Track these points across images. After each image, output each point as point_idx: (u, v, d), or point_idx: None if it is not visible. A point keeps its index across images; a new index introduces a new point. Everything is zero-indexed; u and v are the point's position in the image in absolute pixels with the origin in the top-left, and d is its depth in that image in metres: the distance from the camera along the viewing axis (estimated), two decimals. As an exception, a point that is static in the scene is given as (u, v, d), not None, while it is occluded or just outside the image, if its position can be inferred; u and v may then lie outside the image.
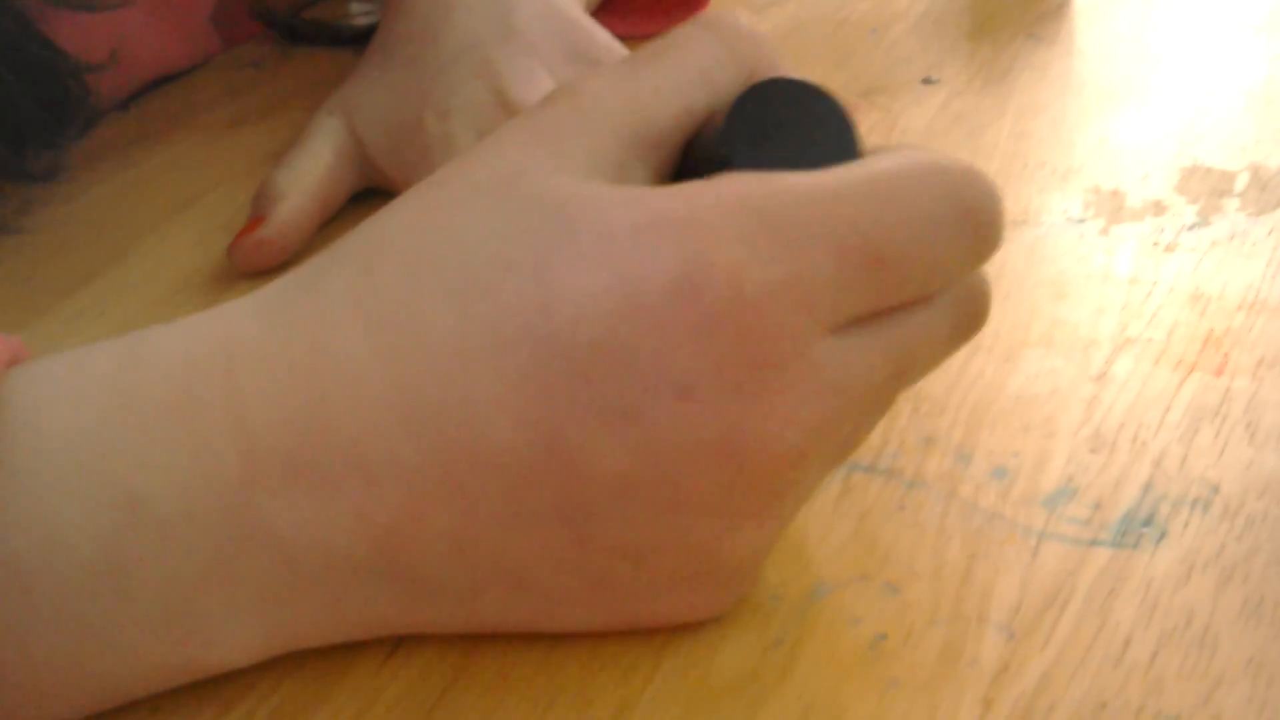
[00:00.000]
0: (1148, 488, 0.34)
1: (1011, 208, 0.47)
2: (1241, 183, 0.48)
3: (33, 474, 0.26)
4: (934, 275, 0.28)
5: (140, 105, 0.58)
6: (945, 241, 0.28)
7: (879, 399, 0.29)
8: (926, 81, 0.57)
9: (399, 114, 0.47)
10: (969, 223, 0.28)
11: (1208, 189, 0.48)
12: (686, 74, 0.29)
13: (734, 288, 0.26)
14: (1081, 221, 0.46)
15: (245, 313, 0.28)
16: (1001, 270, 0.43)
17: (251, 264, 0.45)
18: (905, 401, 0.38)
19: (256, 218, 0.45)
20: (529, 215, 0.27)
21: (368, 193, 0.49)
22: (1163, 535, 0.33)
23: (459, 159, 0.29)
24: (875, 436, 0.36)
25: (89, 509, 0.26)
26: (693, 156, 0.29)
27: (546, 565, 0.28)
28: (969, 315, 0.30)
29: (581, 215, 0.27)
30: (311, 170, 0.47)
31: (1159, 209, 0.47)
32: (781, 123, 0.28)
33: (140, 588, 0.26)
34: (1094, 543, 0.33)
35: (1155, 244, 0.45)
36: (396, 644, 0.31)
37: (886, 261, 0.27)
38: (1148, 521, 0.33)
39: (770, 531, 0.29)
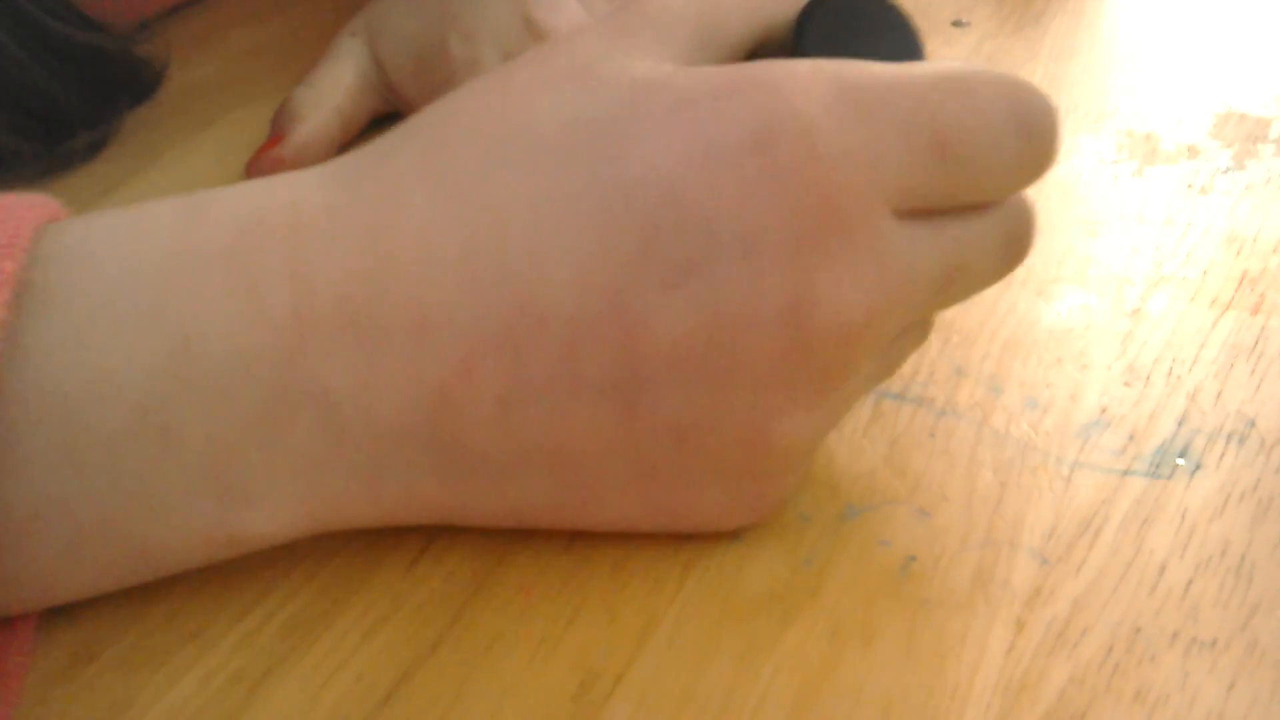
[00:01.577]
0: (1183, 420, 0.34)
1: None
2: (1277, 129, 0.47)
3: (86, 314, 0.25)
4: (991, 177, 0.28)
5: (162, 27, 0.57)
6: (1004, 144, 0.28)
7: (931, 297, 0.29)
8: (957, 24, 0.56)
9: (423, 37, 0.47)
10: (1027, 129, 0.28)
11: (1242, 134, 0.47)
12: None
13: (808, 144, 0.26)
14: (1115, 163, 0.45)
15: (313, 178, 0.28)
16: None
17: None
18: (936, 333, 0.37)
19: (276, 136, 0.45)
20: (604, 91, 0.27)
21: (391, 117, 0.49)
22: (1198, 467, 0.32)
23: (530, 52, 0.29)
24: (906, 366, 0.36)
25: (139, 349, 0.25)
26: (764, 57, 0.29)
27: (590, 441, 0.27)
28: (1018, 236, 0.30)
29: (658, 86, 0.27)
30: (332, 92, 0.46)
31: (1193, 153, 0.46)
32: (850, 29, 0.29)
33: (184, 437, 0.26)
34: (1128, 473, 0.32)
35: (1189, 186, 0.44)
36: (421, 550, 0.30)
37: (950, 150, 0.27)
38: (1183, 453, 0.33)
39: (819, 421, 0.28)
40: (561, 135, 0.27)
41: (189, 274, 0.26)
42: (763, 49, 0.30)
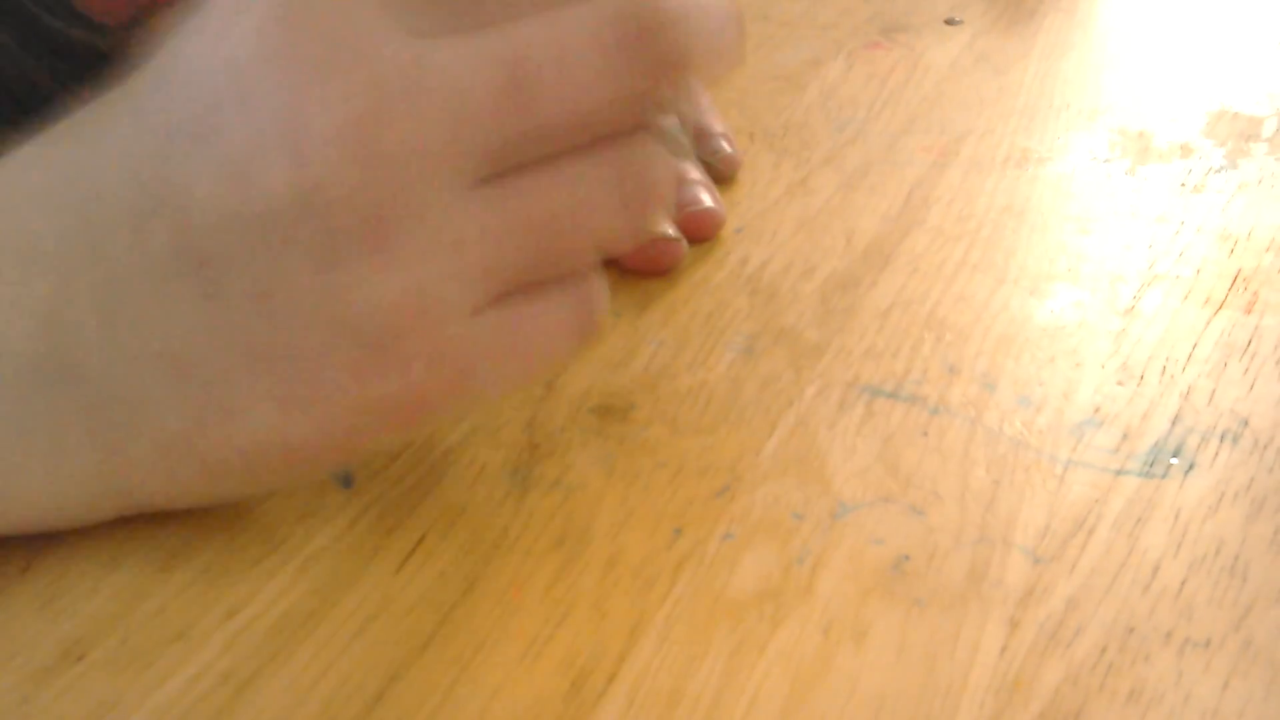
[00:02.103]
0: (1176, 419, 0.34)
1: (1038, 146, 0.46)
2: (1270, 128, 0.47)
3: None
4: (584, 98, 0.26)
5: (145, 27, 0.57)
6: (590, 58, 0.26)
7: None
8: (950, 22, 0.56)
9: None
10: (620, 31, 0.26)
11: (1235, 133, 0.47)
12: None
13: None
14: (1108, 161, 0.45)
15: None
16: (1027, 205, 0.42)
17: None
18: (929, 331, 0.37)
19: None
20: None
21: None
22: (1192, 466, 0.32)
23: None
24: (899, 364, 0.36)
25: None
26: None
27: (192, 335, 0.27)
28: (637, 178, 0.28)
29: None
30: None
31: (1186, 151, 0.46)
32: None
33: None
34: (1122, 471, 0.32)
35: (1183, 185, 0.44)
36: (411, 549, 0.30)
37: (520, 89, 0.26)
38: (1176, 452, 0.33)
39: (406, 274, 0.26)
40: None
41: None
42: None
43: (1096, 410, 0.34)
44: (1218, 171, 0.45)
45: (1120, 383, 0.35)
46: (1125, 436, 0.33)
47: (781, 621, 0.28)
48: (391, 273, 0.26)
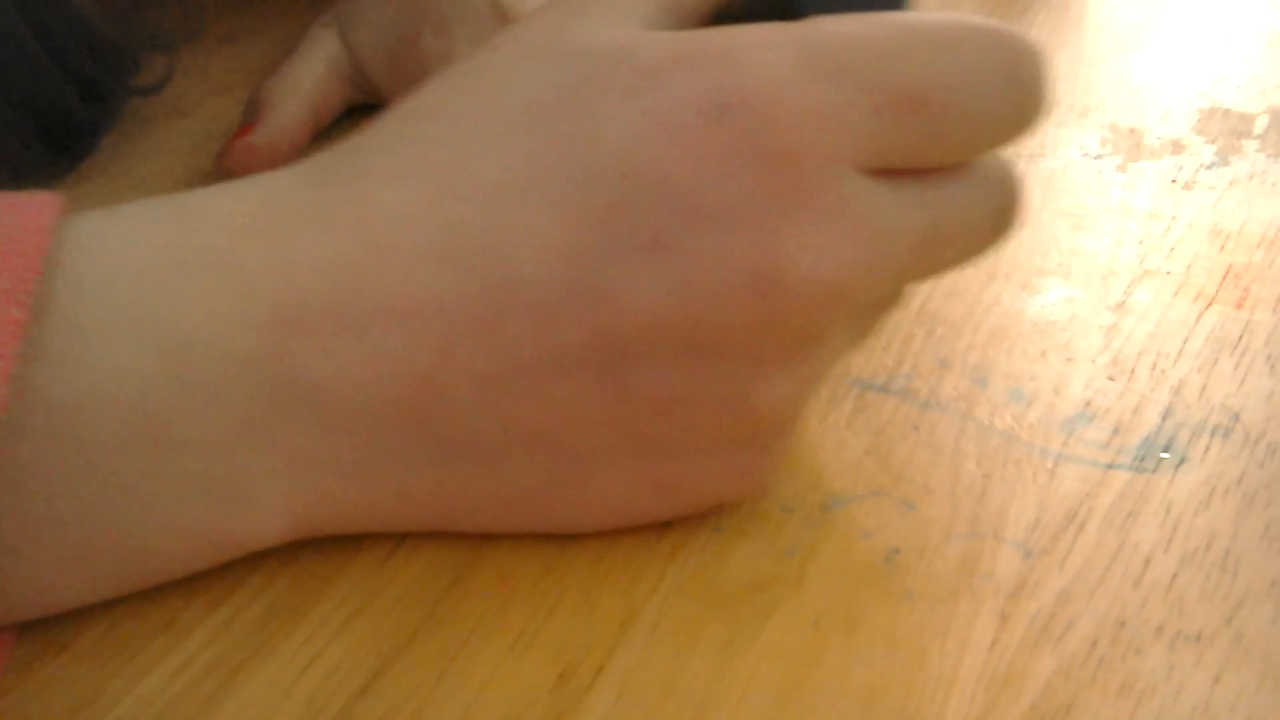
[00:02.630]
0: (1167, 414, 0.34)
1: (1028, 142, 0.46)
2: (1261, 125, 0.47)
3: (75, 318, 0.25)
4: (970, 131, 0.27)
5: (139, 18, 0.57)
6: (985, 94, 0.27)
7: (909, 263, 0.28)
8: (941, 18, 0.55)
9: (396, 28, 0.46)
10: (1012, 80, 0.27)
11: (1227, 130, 0.47)
12: None
13: (767, 110, 0.26)
14: (1099, 157, 0.45)
15: (288, 177, 0.28)
16: (1018, 200, 0.42)
17: (242, 170, 0.44)
18: (920, 325, 0.37)
19: (248, 125, 0.44)
20: (569, 64, 0.27)
21: (366, 108, 0.48)
22: (1183, 460, 0.32)
23: (492, 38, 0.29)
24: (890, 357, 0.35)
25: (129, 354, 0.25)
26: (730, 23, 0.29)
27: (573, 418, 0.27)
28: (1002, 202, 0.29)
29: (621, 54, 0.27)
30: (304, 81, 0.46)
31: (1177, 148, 0.46)
32: None
33: (176, 441, 0.25)
34: (1113, 465, 0.32)
35: (1174, 181, 0.44)
36: (398, 543, 0.30)
37: (928, 106, 0.26)
38: (1168, 447, 0.32)
39: (800, 385, 0.28)
40: (524, 115, 0.27)
41: (176, 278, 0.26)
42: (729, 12, 0.29)
43: (1088, 405, 0.34)
44: (1209, 168, 0.44)
45: (1111, 377, 0.35)
46: (1116, 431, 0.33)
47: (772, 614, 0.28)
48: (797, 381, 0.28)
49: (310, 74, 0.46)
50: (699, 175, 0.26)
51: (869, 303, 0.29)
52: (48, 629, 0.28)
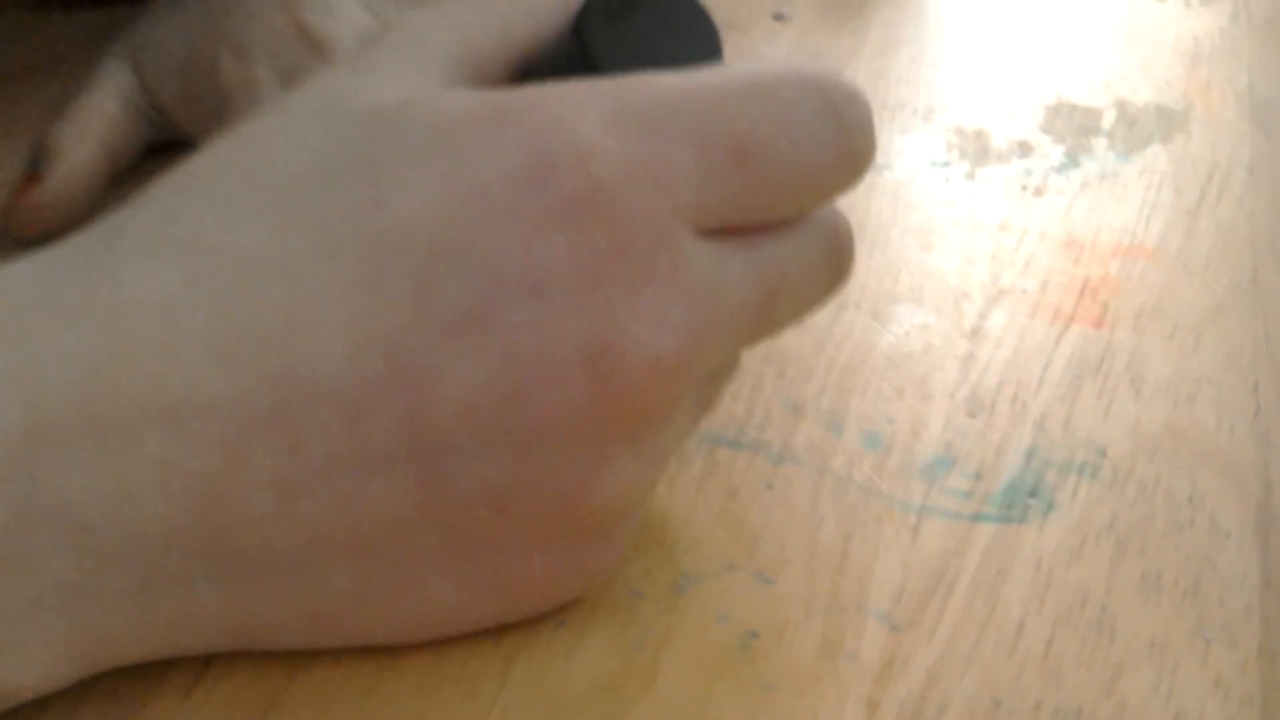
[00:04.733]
0: (1031, 453, 0.32)
1: (872, 151, 0.44)
2: (1109, 120, 0.46)
3: None
4: (801, 182, 0.25)
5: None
6: (812, 143, 0.25)
7: (748, 326, 0.26)
8: (778, 17, 0.53)
9: (191, 55, 0.42)
10: (836, 124, 0.25)
11: (1074, 127, 0.45)
12: (513, 3, 0.26)
13: (588, 169, 0.23)
14: (946, 165, 0.43)
15: (37, 265, 0.24)
16: (865, 219, 0.40)
17: (30, 229, 0.40)
18: (770, 365, 0.34)
19: (32, 176, 0.40)
20: (355, 125, 0.24)
21: (166, 147, 0.44)
22: (1051, 506, 0.30)
23: (272, 101, 0.26)
24: (740, 406, 0.33)
25: None
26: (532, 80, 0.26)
27: (391, 522, 0.24)
28: (837, 249, 0.28)
29: (414, 114, 0.24)
30: (94, 122, 0.42)
31: (1025, 149, 0.44)
32: (637, 29, 0.25)
33: None
34: (977, 517, 0.30)
35: (1024, 187, 0.42)
36: (207, 664, 0.27)
37: (751, 156, 0.25)
38: (1034, 491, 0.31)
39: (642, 471, 0.25)
40: (311, 180, 0.24)
41: None
42: (533, 68, 0.27)
43: (948, 447, 0.32)
44: (1059, 170, 0.43)
45: (971, 414, 0.33)
46: (979, 476, 0.31)
47: (622, 717, 0.26)
48: (641, 464, 0.25)
49: (100, 114, 0.42)
50: (517, 245, 0.23)
51: (711, 371, 0.27)
52: None
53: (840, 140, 0.26)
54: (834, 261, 0.28)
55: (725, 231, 0.25)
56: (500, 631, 0.27)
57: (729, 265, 0.25)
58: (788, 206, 0.26)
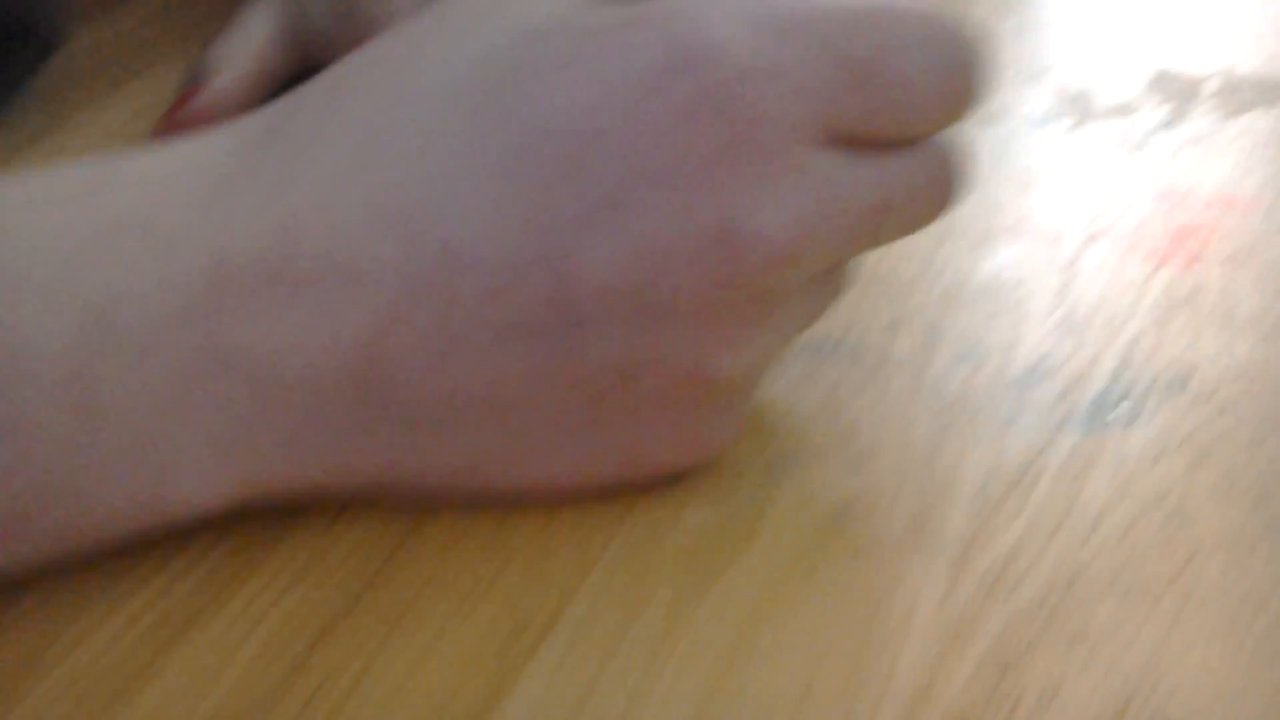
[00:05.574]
0: (1119, 372, 0.33)
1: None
2: (1211, 87, 0.47)
3: None
4: (914, 108, 0.27)
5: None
6: (925, 77, 0.27)
7: (860, 230, 0.28)
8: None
9: None
10: (947, 65, 0.27)
11: (1177, 92, 0.47)
12: None
13: (726, 66, 0.25)
14: (1049, 120, 0.45)
15: (221, 137, 0.27)
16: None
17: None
18: (871, 284, 0.36)
19: (190, 90, 0.43)
20: (509, 32, 0.26)
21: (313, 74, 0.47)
22: (1135, 418, 0.32)
23: (430, 8, 0.28)
24: (840, 317, 0.35)
25: (54, 318, 0.24)
26: None
27: (528, 386, 0.26)
28: (945, 178, 0.29)
29: (564, 22, 0.26)
30: (248, 45, 0.45)
31: (1128, 110, 0.46)
32: None
33: (105, 408, 0.24)
34: (1064, 423, 0.32)
35: (1124, 143, 0.44)
36: (338, 514, 0.29)
37: (873, 76, 0.26)
38: (1119, 405, 0.32)
39: (758, 352, 0.28)
40: (469, 77, 0.26)
41: (102, 241, 0.25)
42: None
43: (1038, 365, 0.34)
44: (1160, 130, 0.44)
45: (1063, 336, 0.35)
46: (1068, 389, 0.33)
47: (721, 572, 0.28)
48: (761, 344, 0.28)
49: (255, 39, 0.45)
50: (652, 133, 0.25)
51: (821, 273, 0.29)
52: (-19, 596, 0.27)
53: (950, 79, 0.27)
54: (939, 188, 0.29)
55: (843, 141, 0.27)
56: (611, 493, 0.29)
57: (847, 172, 0.27)
58: (900, 127, 0.28)
